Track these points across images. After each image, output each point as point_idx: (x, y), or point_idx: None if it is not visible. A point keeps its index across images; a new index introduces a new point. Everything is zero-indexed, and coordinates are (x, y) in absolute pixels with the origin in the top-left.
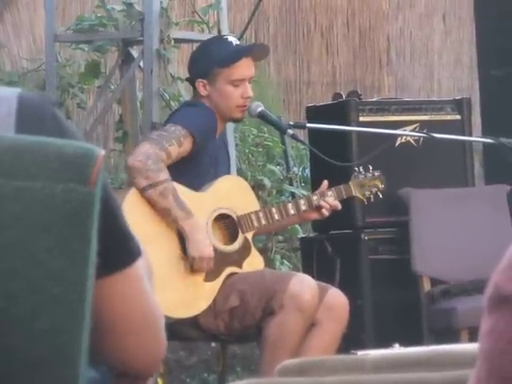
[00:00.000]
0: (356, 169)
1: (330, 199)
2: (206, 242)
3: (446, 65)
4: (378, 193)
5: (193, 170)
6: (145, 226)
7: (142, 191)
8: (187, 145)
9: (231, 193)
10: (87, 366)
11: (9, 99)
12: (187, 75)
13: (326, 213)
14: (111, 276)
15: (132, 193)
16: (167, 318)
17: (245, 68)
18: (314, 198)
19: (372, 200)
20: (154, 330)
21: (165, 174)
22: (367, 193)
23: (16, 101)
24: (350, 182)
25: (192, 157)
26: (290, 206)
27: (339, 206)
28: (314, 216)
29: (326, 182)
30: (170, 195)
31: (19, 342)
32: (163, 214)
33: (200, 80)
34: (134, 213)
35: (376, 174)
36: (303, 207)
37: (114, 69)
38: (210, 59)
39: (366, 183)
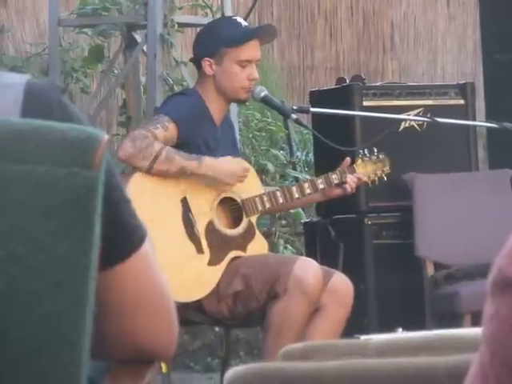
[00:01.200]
0: (361, 151)
1: (354, 175)
2: (230, 163)
3: (449, 50)
4: (383, 175)
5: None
6: (149, 211)
7: (148, 170)
8: (173, 130)
9: None
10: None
11: (16, 86)
12: (191, 59)
13: (348, 188)
14: (122, 263)
15: (134, 179)
16: None
17: (253, 49)
18: (334, 176)
19: (377, 183)
20: (168, 310)
21: (158, 145)
22: (372, 175)
23: (23, 88)
24: (355, 165)
25: (183, 143)
26: (294, 189)
27: (364, 178)
28: (338, 192)
29: (348, 159)
30: (175, 156)
31: (22, 326)
32: (180, 174)
33: (207, 59)
34: (138, 198)
35: (381, 156)
36: (308, 190)
37: (118, 53)
38: (218, 38)
39: (371, 166)
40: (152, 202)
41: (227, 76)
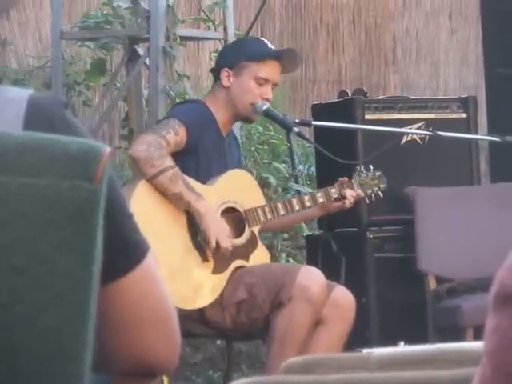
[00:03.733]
0: (357, 168)
1: (352, 190)
2: (222, 220)
3: (451, 63)
4: (379, 192)
5: (192, 162)
6: (154, 218)
7: (151, 179)
8: (182, 134)
9: (238, 187)
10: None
11: (18, 101)
12: (193, 73)
13: (347, 203)
14: (124, 277)
15: (141, 185)
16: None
17: (272, 70)
18: (333, 190)
19: (373, 199)
20: (170, 323)
21: (170, 161)
22: (369, 191)
23: (26, 102)
24: (353, 180)
25: (192, 147)
26: (294, 201)
27: (362, 194)
28: (336, 206)
29: (345, 178)
30: (179, 180)
31: (24, 338)
32: (175, 199)
33: (226, 69)
34: (144, 206)
35: (377, 173)
36: (308, 203)
37: (120, 66)
38: (241, 51)
39: (367, 182)
40: (157, 210)
41: (242, 89)
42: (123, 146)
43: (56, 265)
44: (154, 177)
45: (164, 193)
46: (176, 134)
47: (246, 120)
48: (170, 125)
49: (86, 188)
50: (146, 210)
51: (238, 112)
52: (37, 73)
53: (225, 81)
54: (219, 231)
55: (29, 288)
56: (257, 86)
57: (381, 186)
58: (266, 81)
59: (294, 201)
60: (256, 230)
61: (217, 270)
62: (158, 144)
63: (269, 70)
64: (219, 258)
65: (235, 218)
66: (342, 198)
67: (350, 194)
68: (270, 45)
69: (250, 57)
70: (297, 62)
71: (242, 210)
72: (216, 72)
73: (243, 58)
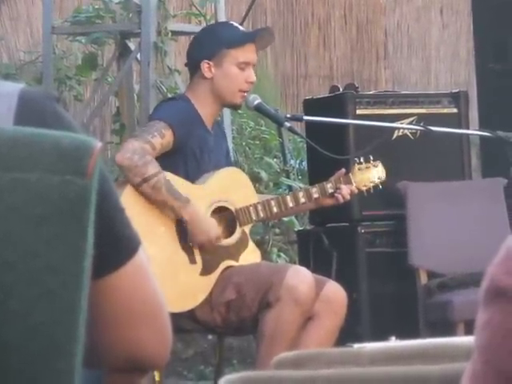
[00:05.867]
0: (356, 159)
1: (348, 186)
2: (210, 224)
3: (443, 58)
4: (379, 184)
5: (181, 161)
6: (142, 220)
7: (136, 187)
8: (169, 136)
9: (230, 185)
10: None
11: (10, 95)
12: (184, 67)
13: (340, 198)
14: (115, 272)
15: (128, 188)
16: None
17: (251, 52)
18: (329, 185)
19: (372, 191)
20: (162, 318)
21: (154, 167)
22: (368, 183)
23: (17, 96)
24: (350, 174)
25: (178, 148)
26: (288, 198)
27: (356, 191)
28: (330, 202)
29: (343, 170)
30: (162, 187)
31: (15, 334)
32: (160, 207)
33: (206, 61)
34: (131, 207)
35: (377, 163)
36: (302, 199)
37: (111, 61)
38: (218, 40)
39: (367, 174)
40: (145, 211)
41: (227, 78)
42: (114, 140)
43: (47, 260)
44: (139, 185)
45: (149, 200)
46: (162, 137)
47: (233, 107)
48: (156, 128)
49: (77, 183)
50: (134, 211)
51: (224, 100)
52: (28, 67)
53: (207, 73)
54: (206, 237)
55: (20, 283)
56: (240, 71)
57: (381, 176)
58: (247, 64)
59: (288, 198)
60: (247, 229)
61: (205, 272)
62: (143, 150)
63: (248, 53)
64: (207, 260)
65: (226, 217)
66: (338, 190)
67: (345, 190)
68: (240, 27)
69: (230, 44)
70: (271, 38)
71: (233, 209)
72: (193, 65)
73: (222, 46)
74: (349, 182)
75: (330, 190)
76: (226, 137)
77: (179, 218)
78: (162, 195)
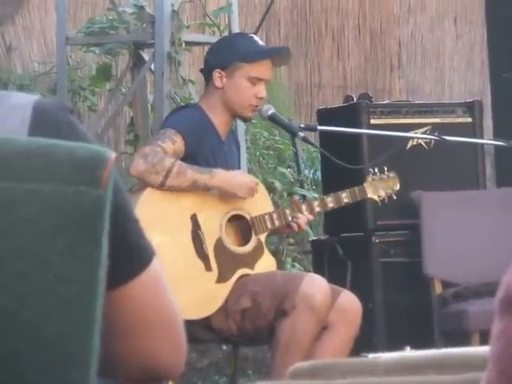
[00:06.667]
0: (371, 170)
1: (303, 214)
2: (239, 177)
3: (457, 68)
4: (393, 194)
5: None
6: (159, 226)
7: (161, 186)
8: (180, 143)
9: None
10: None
11: (24, 106)
12: (198, 78)
13: (296, 228)
14: (130, 282)
15: (144, 195)
16: None
17: (265, 68)
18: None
19: (386, 201)
20: (177, 328)
21: (169, 159)
22: (382, 194)
23: (31, 108)
24: (365, 184)
25: (190, 155)
26: (304, 207)
27: (312, 218)
28: (287, 231)
29: (295, 196)
30: (187, 170)
31: (30, 345)
32: (192, 188)
33: (218, 70)
34: (149, 214)
35: (391, 175)
36: (317, 208)
37: (125, 72)
38: (233, 51)
39: (381, 184)
40: (161, 218)
41: (236, 91)
42: (129, 151)
43: (62, 270)
44: (163, 182)
45: (179, 189)
46: (173, 142)
47: (243, 119)
48: (166, 135)
49: (91, 193)
50: (150, 219)
51: (234, 112)
52: (42, 78)
53: (217, 82)
54: (246, 190)
55: (34, 294)
56: (250, 85)
57: (395, 187)
58: (260, 80)
59: (304, 207)
60: (263, 237)
61: (221, 279)
62: (154, 151)
63: (262, 68)
64: (223, 267)
65: (242, 225)
66: (294, 219)
67: (303, 220)
68: (259, 41)
69: (244, 57)
70: (288, 58)
71: (248, 218)
72: (207, 72)
73: (236, 58)
74: (363, 193)
75: (345, 200)
76: (239, 146)
77: (214, 188)
78: (190, 176)
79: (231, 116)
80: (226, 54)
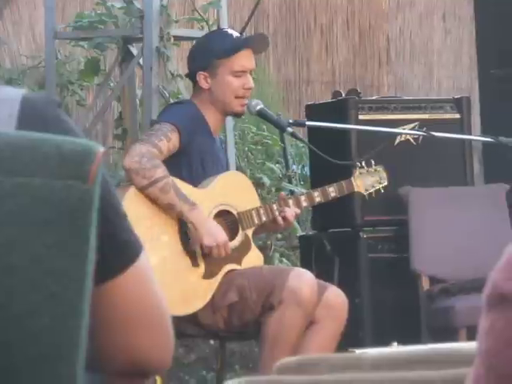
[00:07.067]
0: (358, 164)
1: (290, 207)
2: (218, 228)
3: (445, 64)
4: (381, 188)
5: (185, 163)
6: (144, 223)
7: (142, 190)
8: (175, 139)
9: (232, 189)
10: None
11: (12, 100)
12: (186, 74)
13: (281, 222)
14: (117, 277)
15: (131, 191)
16: None
17: (245, 59)
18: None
19: (373, 195)
20: (164, 323)
21: (162, 170)
22: (370, 188)
23: (19, 102)
24: (352, 178)
25: (182, 151)
26: (291, 201)
27: (298, 211)
28: (274, 228)
29: (282, 193)
30: (171, 190)
31: (18, 338)
32: (167, 210)
33: (201, 72)
34: (134, 211)
35: (379, 168)
36: (304, 203)
37: (114, 66)
38: (209, 51)
39: (369, 178)
40: (149, 213)
41: (222, 87)
42: (117, 145)
43: (50, 264)
44: (146, 187)
45: (156, 203)
46: (168, 140)
47: (235, 115)
48: (162, 131)
49: (79, 188)
50: (137, 215)
51: (224, 110)
52: (30, 72)
53: (203, 83)
54: (215, 241)
55: (22, 287)
56: (235, 79)
57: (382, 181)
58: (243, 71)
59: (290, 201)
60: (250, 232)
61: (208, 275)
62: (151, 154)
63: (241, 60)
64: (210, 263)
65: (229, 220)
66: (282, 213)
67: (291, 213)
68: (234, 34)
69: (219, 54)
70: (266, 43)
71: (235, 213)
72: (191, 76)
73: (214, 57)
74: (351, 187)
75: (332, 194)
76: (225, 151)
77: (187, 221)
78: (169, 198)
79: (222, 114)
80: (204, 55)
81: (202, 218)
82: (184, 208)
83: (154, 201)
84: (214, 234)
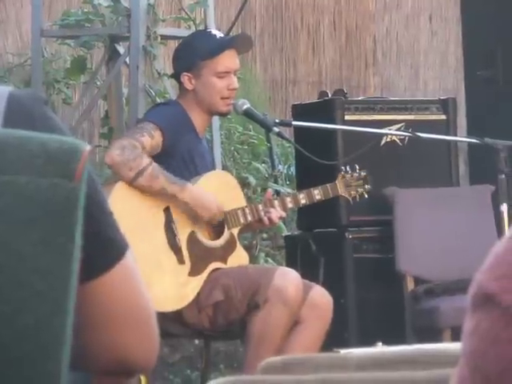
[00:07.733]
0: (343, 168)
1: (276, 209)
2: (210, 199)
3: (431, 65)
4: (364, 193)
5: (170, 164)
6: (131, 220)
7: (131, 182)
8: (158, 138)
9: (218, 188)
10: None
11: None
12: (171, 75)
13: (267, 222)
14: (102, 276)
15: (118, 187)
16: None
17: (229, 60)
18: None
19: (358, 199)
20: (149, 322)
21: (146, 159)
22: (353, 192)
23: (5, 99)
24: (337, 181)
25: (167, 151)
26: (276, 202)
27: (284, 215)
28: (257, 226)
29: (270, 191)
30: (159, 175)
31: (2, 336)
32: (160, 195)
33: (185, 74)
34: (120, 207)
35: (362, 173)
36: (289, 205)
37: (100, 65)
38: (193, 52)
39: (353, 183)
40: (135, 210)
41: (207, 89)
42: (103, 144)
43: (35, 263)
44: (134, 179)
45: (147, 191)
46: (151, 137)
47: (220, 115)
48: (145, 129)
49: (65, 186)
50: (123, 212)
51: (209, 110)
52: (17, 70)
53: (187, 84)
54: (210, 213)
55: (7, 285)
56: (219, 80)
57: (366, 186)
58: (227, 72)
59: (276, 202)
60: (235, 231)
61: (193, 272)
62: (132, 146)
63: (225, 61)
64: (196, 260)
65: None
66: (267, 214)
67: (276, 215)
68: (218, 35)
69: (203, 56)
70: (249, 43)
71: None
72: (176, 77)
73: (197, 58)
74: (335, 191)
75: (317, 197)
76: (211, 151)
77: (181, 201)
78: (159, 183)
79: (208, 114)
80: (188, 56)
81: (193, 196)
82: (175, 189)
83: (141, 193)
84: (208, 206)
